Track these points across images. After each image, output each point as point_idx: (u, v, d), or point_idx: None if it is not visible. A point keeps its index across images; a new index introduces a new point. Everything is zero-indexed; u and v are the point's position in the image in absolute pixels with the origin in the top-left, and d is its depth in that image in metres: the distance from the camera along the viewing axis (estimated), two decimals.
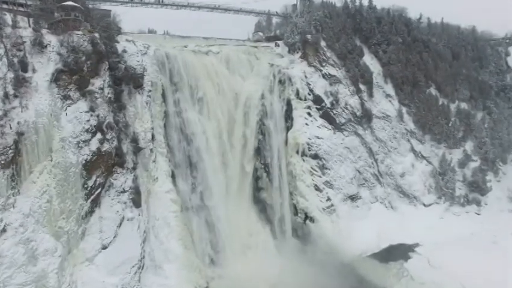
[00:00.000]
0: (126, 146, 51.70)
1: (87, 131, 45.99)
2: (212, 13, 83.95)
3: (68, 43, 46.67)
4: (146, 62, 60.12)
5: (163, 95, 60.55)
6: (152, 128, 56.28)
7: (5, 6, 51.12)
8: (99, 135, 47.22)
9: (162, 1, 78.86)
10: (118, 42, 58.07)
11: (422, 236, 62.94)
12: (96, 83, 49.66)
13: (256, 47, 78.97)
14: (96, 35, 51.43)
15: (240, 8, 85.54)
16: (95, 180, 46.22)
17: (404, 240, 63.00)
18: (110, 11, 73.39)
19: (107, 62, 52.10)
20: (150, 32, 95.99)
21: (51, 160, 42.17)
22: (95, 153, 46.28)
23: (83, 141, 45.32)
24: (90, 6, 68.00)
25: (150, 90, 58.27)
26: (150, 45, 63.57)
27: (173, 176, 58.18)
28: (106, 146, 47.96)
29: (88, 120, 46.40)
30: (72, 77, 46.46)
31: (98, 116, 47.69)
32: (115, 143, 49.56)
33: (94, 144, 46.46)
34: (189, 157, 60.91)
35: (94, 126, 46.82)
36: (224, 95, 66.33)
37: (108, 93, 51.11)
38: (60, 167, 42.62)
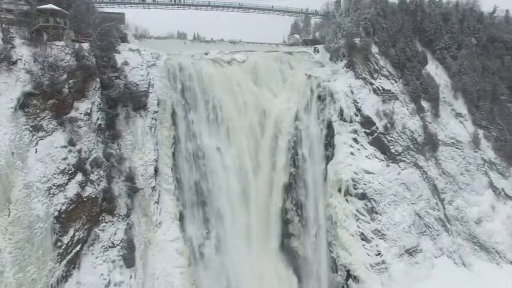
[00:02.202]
0: (119, 187, 40.81)
1: (62, 172, 35.43)
2: (239, 13, 71.57)
3: (44, 57, 36.36)
4: (154, 76, 49.45)
5: (173, 116, 49.78)
6: (156, 160, 45.09)
7: None
8: (79, 177, 36.57)
9: (182, 1, 67.62)
10: (119, 52, 47.60)
11: None
12: (82, 107, 39.21)
13: (290, 53, 65.57)
14: (85, 45, 41.01)
15: (272, 7, 72.24)
16: (73, 235, 35.57)
17: None
18: (123, 14, 64.14)
19: (98, 79, 41.62)
20: (180, 35, 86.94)
21: (9, 215, 31.85)
22: (72, 201, 35.63)
23: (57, 186, 34.79)
24: (98, 9, 58.94)
25: (155, 111, 47.33)
26: (160, 54, 52.84)
27: (181, 219, 46.96)
28: (89, 190, 37.26)
29: (65, 158, 35.86)
30: (47, 101, 36.16)
31: (79, 151, 37.12)
32: (103, 184, 38.84)
33: (72, 189, 35.84)
34: (202, 194, 49.60)
35: (73, 165, 36.23)
36: (249, 115, 54.13)
37: (98, 119, 40.59)
38: (21, 223, 32.19)
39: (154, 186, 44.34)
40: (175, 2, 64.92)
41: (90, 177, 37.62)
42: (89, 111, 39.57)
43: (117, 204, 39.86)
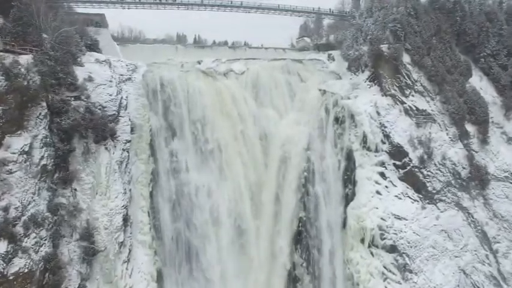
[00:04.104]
0: (70, 250, 30.34)
1: None
2: (239, 13, 60.64)
3: None
4: (128, 94, 39.33)
5: (152, 145, 39.47)
6: (125, 206, 34.60)
7: None
8: (2, 247, 26.02)
9: (175, 1, 56.97)
10: (81, 65, 37.11)
11: None
12: (16, 144, 28.64)
13: (300, 61, 54.52)
14: (26, 57, 30.53)
15: (278, 6, 61.04)
16: None
17: None
18: (103, 15, 54.12)
19: (44, 104, 31.13)
20: (180, 38, 77.43)
21: None
22: None
23: None
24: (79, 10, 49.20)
25: (128, 141, 37.02)
26: (138, 65, 42.47)
27: (160, 279, 36.80)
28: (20, 263, 26.65)
29: None
30: None
31: (5, 208, 26.58)
32: (45, 249, 28.37)
33: None
34: (188, 246, 39.36)
35: None
36: (248, 142, 43.87)
37: (42, 159, 30.10)
38: None
39: (122, 241, 33.94)
40: (160, 1, 53.97)
41: (23, 244, 27.09)
42: (27, 149, 29.03)
43: (65, 275, 29.40)
